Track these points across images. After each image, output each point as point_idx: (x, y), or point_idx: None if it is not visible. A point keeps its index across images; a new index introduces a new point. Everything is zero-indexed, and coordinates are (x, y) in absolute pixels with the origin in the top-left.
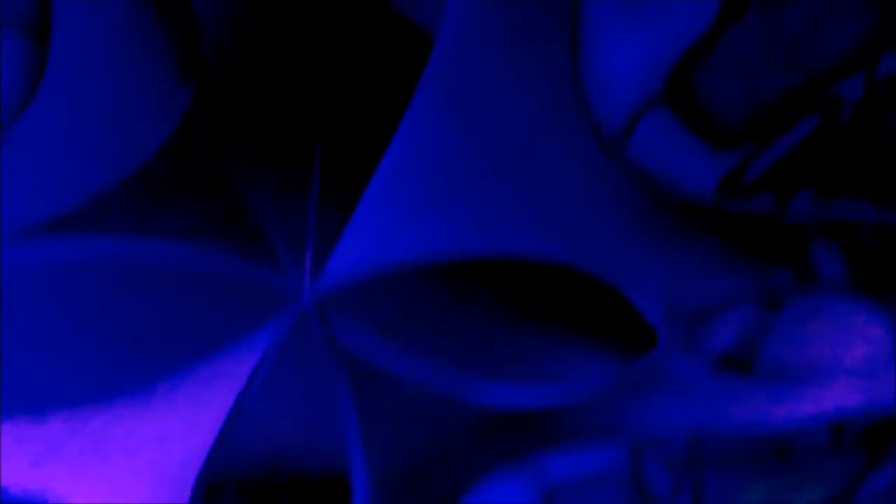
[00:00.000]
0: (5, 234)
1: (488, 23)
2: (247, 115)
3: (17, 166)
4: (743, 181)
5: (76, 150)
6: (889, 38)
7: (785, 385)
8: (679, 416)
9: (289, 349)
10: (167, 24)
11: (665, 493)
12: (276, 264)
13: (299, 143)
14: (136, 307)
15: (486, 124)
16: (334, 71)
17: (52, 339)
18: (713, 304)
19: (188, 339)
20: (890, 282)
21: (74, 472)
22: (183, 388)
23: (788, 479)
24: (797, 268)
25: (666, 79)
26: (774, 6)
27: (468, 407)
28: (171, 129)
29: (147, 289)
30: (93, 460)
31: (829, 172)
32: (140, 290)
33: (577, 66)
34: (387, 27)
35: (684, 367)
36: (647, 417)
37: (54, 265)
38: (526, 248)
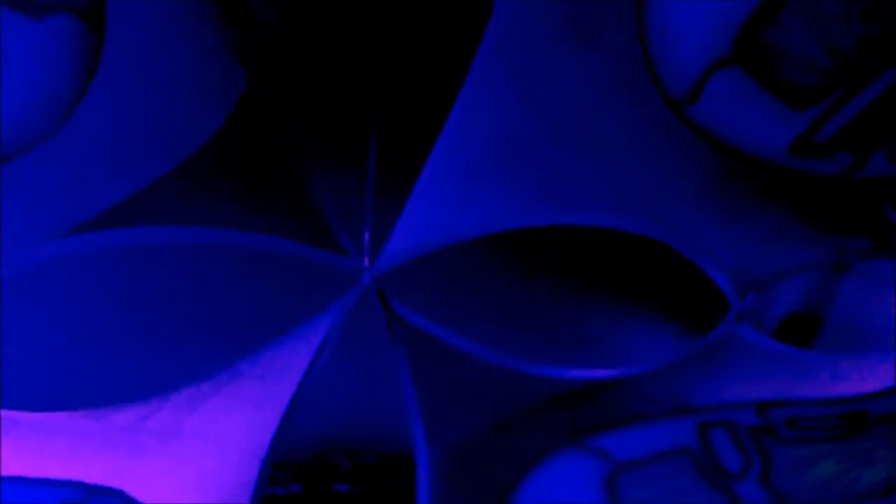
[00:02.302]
0: (66, 226)
1: None
2: (302, 97)
3: (77, 156)
4: (818, 140)
5: (134, 139)
6: None
7: (855, 355)
8: (748, 388)
9: (351, 329)
10: (220, 9)
11: (734, 468)
12: (336, 246)
13: (355, 123)
14: (199, 295)
15: (547, 93)
16: (389, 47)
17: (119, 329)
18: (785, 271)
19: (252, 324)
20: None
21: (146, 457)
22: (249, 370)
23: (858, 452)
24: (873, 233)
25: (735, 37)
26: None
27: (532, 381)
28: (227, 113)
29: (209, 276)
30: (164, 444)
31: None
32: (202, 278)
33: (642, 28)
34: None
35: (752, 337)
36: (714, 389)
37: (118, 255)
38: (591, 217)
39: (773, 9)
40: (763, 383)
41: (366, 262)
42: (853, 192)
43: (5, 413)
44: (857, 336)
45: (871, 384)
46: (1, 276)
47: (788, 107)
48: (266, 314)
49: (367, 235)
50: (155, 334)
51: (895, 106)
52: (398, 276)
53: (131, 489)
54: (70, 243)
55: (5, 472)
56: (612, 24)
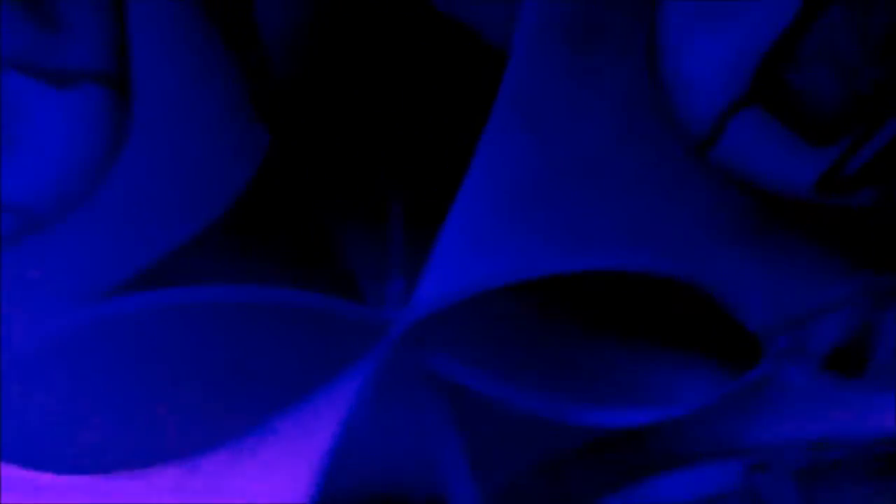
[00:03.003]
0: (98, 291)
1: (561, 36)
2: (323, 150)
3: (107, 221)
4: (843, 176)
5: (163, 200)
6: None
7: None
8: (791, 427)
9: (384, 382)
10: (239, 66)
11: None
12: (363, 299)
13: (377, 175)
14: (229, 354)
15: (565, 140)
16: (408, 97)
17: (151, 392)
18: (819, 308)
19: (283, 381)
20: None
21: None
22: (284, 428)
23: None
24: None
25: (753, 77)
26: None
27: (572, 428)
28: (251, 170)
29: (239, 335)
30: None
31: None
32: (232, 337)
33: (657, 70)
34: (458, 49)
35: (793, 375)
36: (758, 430)
37: (148, 319)
38: (620, 260)
39: (790, 45)
40: (806, 423)
41: (394, 314)
42: (884, 225)
43: (46, 477)
44: None
45: None
46: (32, 344)
47: (811, 144)
48: (297, 371)
49: (394, 286)
50: (189, 395)
51: None
52: (428, 327)
53: None
54: (102, 308)
55: None
56: (625, 70)
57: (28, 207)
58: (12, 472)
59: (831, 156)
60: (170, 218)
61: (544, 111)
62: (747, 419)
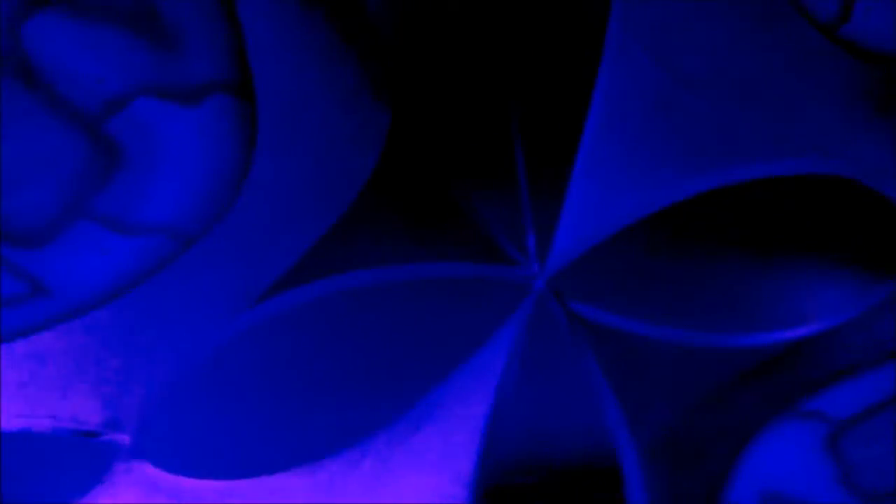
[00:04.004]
0: (249, 299)
1: None
2: (442, 117)
3: (249, 227)
4: None
5: (298, 198)
6: None
7: None
8: None
9: (534, 336)
10: (352, 48)
11: None
12: (504, 258)
13: (499, 130)
14: (383, 336)
15: (686, 49)
16: (519, 46)
17: (309, 389)
18: None
19: (436, 356)
20: None
21: None
22: (441, 400)
23: None
24: None
25: None
26: None
27: (726, 354)
28: (377, 152)
29: (389, 316)
30: (375, 488)
31: None
32: (383, 319)
33: None
34: None
35: None
36: None
37: (299, 318)
38: (762, 168)
39: None
40: None
41: (535, 268)
42: None
43: (224, 484)
44: None
45: None
46: (192, 360)
47: None
48: (449, 342)
49: (531, 240)
50: (345, 383)
51: None
52: (572, 275)
53: None
54: (259, 311)
55: None
56: None
57: (177, 227)
58: (178, 481)
59: None
60: (307, 213)
61: (660, 23)
62: None
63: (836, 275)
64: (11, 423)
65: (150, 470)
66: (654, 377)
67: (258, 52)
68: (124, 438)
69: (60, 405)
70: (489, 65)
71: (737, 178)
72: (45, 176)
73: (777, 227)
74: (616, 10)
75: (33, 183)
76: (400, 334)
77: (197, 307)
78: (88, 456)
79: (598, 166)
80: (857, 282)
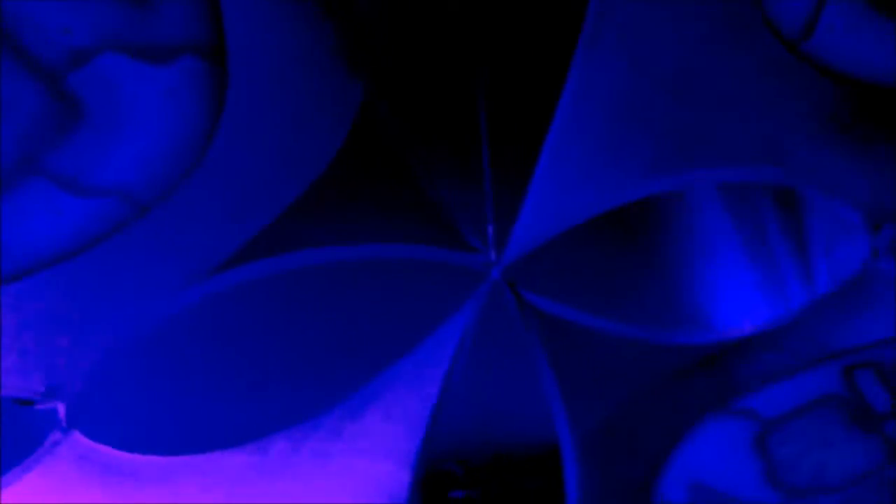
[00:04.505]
0: (207, 267)
1: None
2: (413, 100)
3: (211, 196)
4: None
5: (264, 169)
6: None
7: None
8: (890, 324)
9: (486, 323)
10: (328, 20)
11: (882, 408)
12: (463, 245)
13: (468, 118)
14: (336, 316)
15: (658, 51)
16: (493, 35)
17: (262, 361)
18: None
19: (390, 335)
20: None
21: (304, 482)
22: (391, 382)
23: None
24: None
25: None
26: None
27: (666, 350)
28: (347, 128)
29: (344, 296)
30: (321, 466)
31: None
32: (338, 299)
33: None
34: None
35: (894, 270)
36: (857, 332)
37: (253, 292)
38: (721, 173)
39: None
40: None
41: (493, 256)
42: None
43: (165, 460)
44: None
45: None
46: (145, 327)
47: None
48: (402, 323)
49: (491, 229)
50: (297, 360)
51: None
52: (526, 266)
53: None
54: (213, 283)
55: None
56: None
57: (134, 192)
58: (115, 455)
59: None
60: (271, 186)
61: (636, 21)
62: (845, 321)
63: (773, 277)
64: None
65: (85, 442)
66: (597, 368)
67: (233, 18)
68: (61, 406)
69: None
70: (463, 52)
71: (692, 181)
72: (2, 127)
73: (718, 229)
74: (593, 7)
75: None
76: (353, 315)
77: (148, 276)
78: (22, 425)
79: (561, 163)
80: (794, 283)
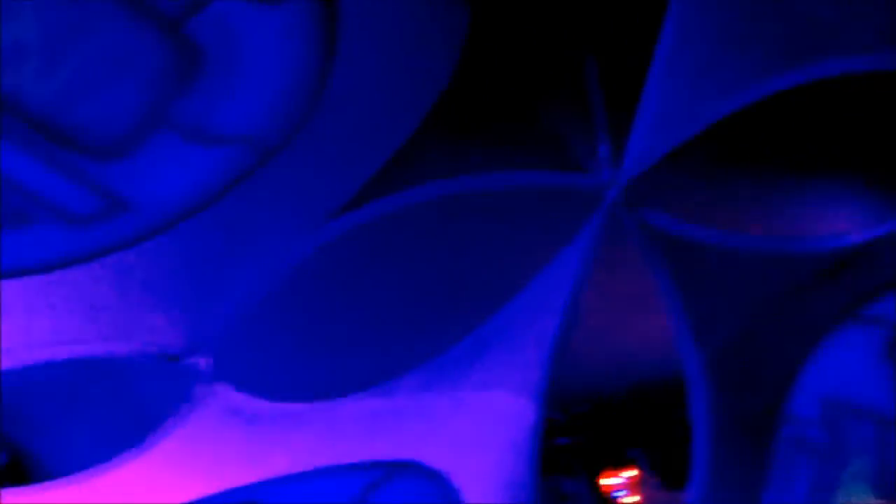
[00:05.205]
0: (331, 209)
1: None
2: (519, 23)
3: (331, 137)
4: None
5: (379, 108)
6: None
7: None
8: None
9: (604, 247)
10: None
11: None
12: (576, 167)
13: (573, 43)
14: (456, 251)
15: None
16: None
17: (386, 304)
18: None
19: (509, 267)
20: None
21: (433, 421)
22: (514, 315)
23: None
24: None
25: None
26: None
27: (793, 260)
28: (455, 57)
29: (462, 230)
30: (448, 404)
31: None
32: (457, 234)
33: None
34: None
35: None
36: None
37: (376, 231)
38: (850, 62)
39: None
40: None
41: (608, 175)
42: None
43: (301, 407)
44: None
45: None
46: (270, 278)
47: None
48: (520, 255)
49: (603, 148)
50: (419, 300)
51: None
52: (643, 183)
53: (425, 457)
54: (338, 225)
55: (302, 468)
56: None
57: (257, 136)
58: (256, 404)
59: None
60: (386, 123)
61: None
62: None
63: None
64: (94, 347)
65: (230, 393)
66: (722, 286)
67: None
68: (205, 361)
69: (142, 328)
70: None
71: (818, 74)
72: (125, 80)
73: (843, 134)
74: None
75: (113, 88)
76: (472, 250)
77: (276, 222)
78: (170, 380)
79: (678, 65)
80: None
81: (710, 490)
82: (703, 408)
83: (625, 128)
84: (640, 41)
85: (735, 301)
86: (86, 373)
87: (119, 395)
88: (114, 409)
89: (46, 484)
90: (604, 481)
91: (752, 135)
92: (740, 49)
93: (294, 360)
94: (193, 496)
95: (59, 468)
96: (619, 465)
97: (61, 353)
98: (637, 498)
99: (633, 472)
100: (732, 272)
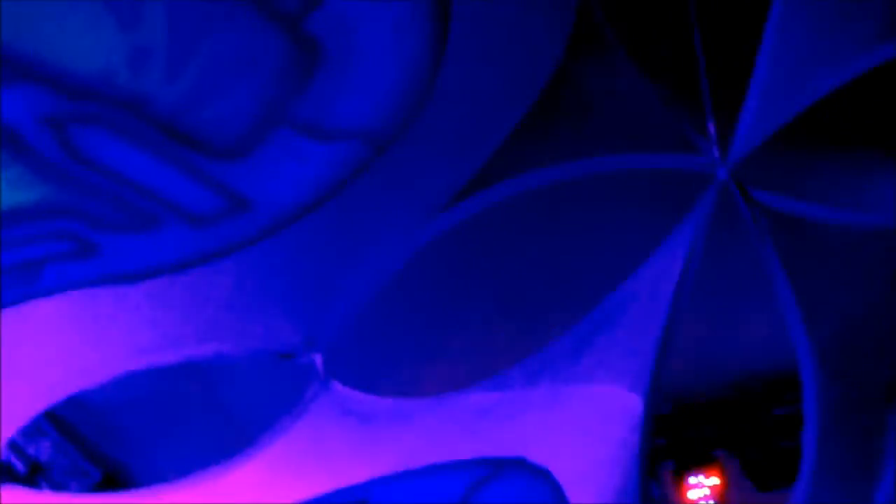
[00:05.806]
0: (443, 200)
1: None
2: (624, 10)
3: (442, 127)
4: None
5: (486, 97)
6: None
7: None
8: None
9: (714, 229)
10: None
11: None
12: (685, 147)
13: (678, 18)
14: (562, 238)
15: None
16: None
17: (495, 294)
18: None
19: (618, 252)
20: None
21: (540, 412)
22: (622, 300)
23: None
24: None
25: None
26: None
27: None
28: (562, 44)
29: (572, 216)
30: (555, 396)
31: None
32: (566, 219)
33: None
34: None
35: None
36: None
37: (480, 223)
38: None
39: None
40: None
41: (717, 154)
42: None
43: (411, 402)
44: None
45: None
46: (386, 270)
47: None
48: (629, 240)
49: (712, 126)
50: (525, 291)
51: None
52: (752, 161)
53: (532, 453)
54: (449, 217)
55: (412, 465)
56: None
57: (371, 131)
58: (368, 401)
59: None
60: (496, 109)
61: None
62: None
63: None
64: (208, 347)
65: (343, 390)
66: (836, 266)
67: None
68: (320, 358)
69: (257, 328)
70: None
71: None
72: (247, 79)
73: None
74: None
75: (235, 88)
76: (578, 238)
77: (388, 217)
78: (286, 379)
79: (784, 42)
80: None
81: (819, 488)
82: (815, 399)
83: (734, 105)
84: (748, 18)
85: (849, 282)
86: (185, 383)
87: (216, 404)
88: (210, 419)
89: (159, 486)
90: (690, 494)
91: (859, 111)
92: (847, 20)
93: (403, 355)
94: (306, 496)
95: (154, 483)
96: (704, 466)
97: (168, 357)
98: None
99: (717, 481)
100: (847, 251)
